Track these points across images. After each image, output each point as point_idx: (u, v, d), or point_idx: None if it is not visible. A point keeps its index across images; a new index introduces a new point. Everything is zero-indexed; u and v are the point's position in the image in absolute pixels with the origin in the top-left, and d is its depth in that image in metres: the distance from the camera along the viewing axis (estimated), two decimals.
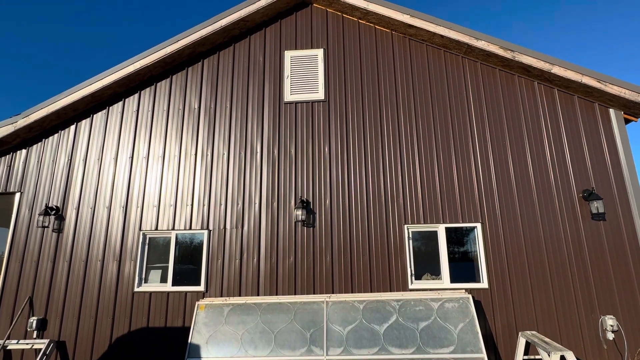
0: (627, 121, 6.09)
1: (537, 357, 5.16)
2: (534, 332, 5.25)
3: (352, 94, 6.48)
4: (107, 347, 5.71)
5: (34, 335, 5.83)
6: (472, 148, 6.08)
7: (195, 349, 5.10)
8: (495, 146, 6.06)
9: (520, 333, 5.23)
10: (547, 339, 4.93)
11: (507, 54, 5.99)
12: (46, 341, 5.63)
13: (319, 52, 6.70)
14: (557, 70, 5.87)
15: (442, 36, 6.22)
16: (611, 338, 5.16)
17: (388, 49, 6.64)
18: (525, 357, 5.18)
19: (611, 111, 6.00)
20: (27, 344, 5.68)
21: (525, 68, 6.09)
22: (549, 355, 4.44)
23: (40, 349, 5.67)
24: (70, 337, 5.80)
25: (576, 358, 4.32)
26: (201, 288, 5.83)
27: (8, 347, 5.70)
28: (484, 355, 4.77)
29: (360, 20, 6.79)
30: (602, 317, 5.29)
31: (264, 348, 5.05)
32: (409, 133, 6.22)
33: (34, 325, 5.79)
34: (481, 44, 6.07)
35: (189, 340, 5.19)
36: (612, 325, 5.13)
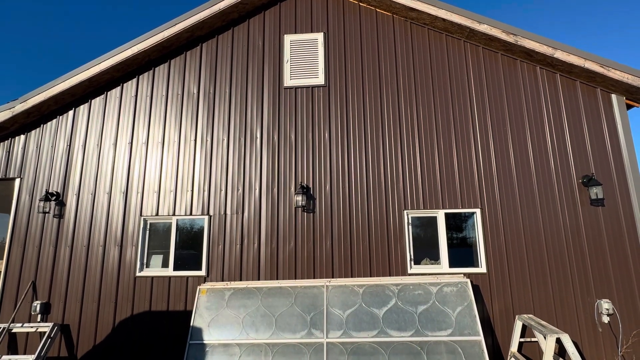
0: (629, 107, 6.06)
1: (533, 339, 5.26)
2: (530, 316, 5.33)
3: (352, 78, 6.42)
4: (111, 330, 5.80)
5: (38, 319, 5.91)
6: (472, 133, 6.06)
7: (198, 332, 5.19)
8: (496, 131, 6.04)
9: (517, 316, 5.31)
10: (543, 322, 5.01)
11: (510, 38, 5.91)
12: (50, 325, 5.72)
13: (319, 36, 6.61)
14: (559, 54, 5.80)
15: (444, 20, 6.13)
16: (606, 321, 5.25)
17: (389, 33, 6.55)
18: (522, 340, 5.28)
19: (613, 96, 5.96)
20: (31, 327, 5.77)
21: (527, 53, 6.03)
22: (545, 338, 4.52)
23: (44, 332, 5.76)
24: (74, 321, 5.89)
25: (572, 341, 4.40)
26: (202, 273, 5.89)
27: (13, 331, 5.79)
28: (482, 338, 4.85)
29: (360, 3, 6.68)
30: (598, 301, 5.37)
31: (265, 331, 5.13)
32: (409, 118, 6.19)
33: (38, 309, 5.86)
34: (483, 28, 5.99)
35: (191, 324, 5.27)
36: (607, 309, 5.22)
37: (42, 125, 6.72)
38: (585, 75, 5.93)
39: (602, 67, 5.68)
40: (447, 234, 5.80)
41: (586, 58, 5.72)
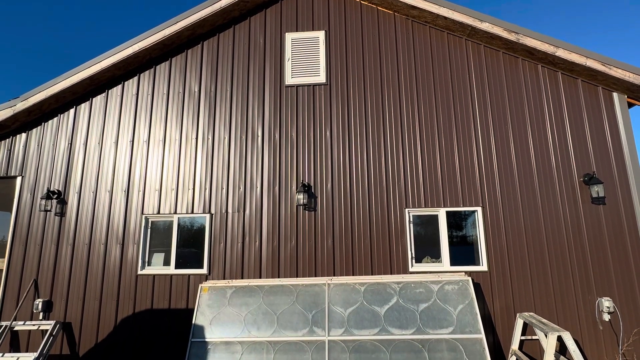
0: (630, 105, 6.06)
1: (534, 337, 5.28)
2: (531, 314, 5.35)
3: (353, 77, 6.42)
4: (113, 328, 5.81)
5: (40, 317, 5.92)
6: (474, 132, 6.06)
7: (200, 330, 5.20)
8: (497, 130, 6.04)
9: (518, 314, 5.33)
10: (544, 320, 5.02)
11: (511, 36, 5.91)
12: (52, 322, 5.73)
13: (321, 34, 6.60)
14: (561, 53, 5.80)
15: (445, 18, 6.12)
16: (607, 319, 5.26)
17: (390, 31, 6.54)
18: (523, 338, 5.29)
19: (614, 95, 5.96)
20: (33, 325, 5.78)
21: (529, 51, 6.02)
22: (546, 336, 4.53)
23: (46, 330, 5.77)
24: (76, 319, 5.90)
25: (573, 339, 4.41)
26: (204, 271, 5.90)
27: (15, 328, 5.80)
28: (483, 335, 4.87)
29: (362, 1, 6.66)
30: (598, 299, 5.38)
31: (267, 329, 5.14)
32: (410, 117, 6.19)
33: (40, 307, 5.87)
34: (485, 26, 5.98)
35: (193, 321, 5.28)
36: (608, 307, 5.23)
37: (43, 124, 6.72)
38: (586, 74, 5.93)
39: (604, 65, 5.68)
40: (448, 232, 5.81)
41: (588, 56, 5.71)
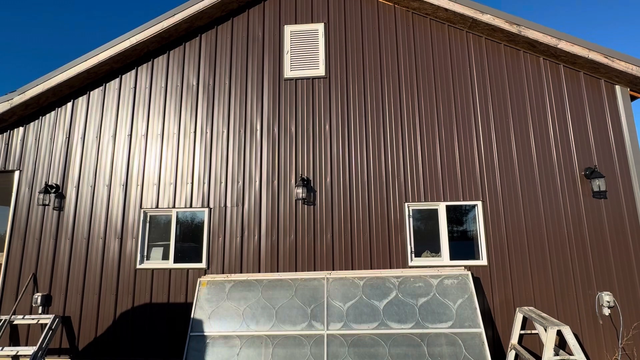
0: (633, 98, 5.99)
1: (533, 331, 5.26)
2: (531, 308, 5.33)
3: (353, 70, 6.35)
4: (111, 322, 5.82)
5: (39, 311, 5.92)
6: (474, 125, 6.01)
7: (198, 324, 5.20)
8: (498, 123, 5.98)
9: (517, 309, 5.30)
10: (544, 314, 5.00)
11: (513, 29, 5.83)
12: (51, 316, 5.73)
13: (320, 27, 6.52)
14: (563, 45, 5.72)
15: (446, 10, 6.04)
16: (607, 314, 5.24)
17: (390, 23, 6.46)
18: (522, 332, 5.28)
19: (617, 88, 5.89)
20: (32, 319, 5.79)
21: (531, 43, 5.94)
22: (545, 330, 4.51)
23: (45, 324, 5.78)
24: (75, 313, 5.90)
25: (572, 333, 4.39)
26: (203, 265, 5.88)
27: (14, 322, 5.80)
28: (482, 330, 4.85)
29: None
30: (599, 293, 5.36)
31: (266, 323, 5.14)
32: (410, 110, 6.13)
33: (39, 301, 5.87)
34: (486, 18, 5.90)
35: (192, 316, 5.27)
36: (608, 301, 5.20)
37: (40, 118, 6.67)
38: (589, 66, 5.86)
39: (606, 57, 5.61)
40: (448, 226, 5.77)
41: (590, 48, 5.64)
